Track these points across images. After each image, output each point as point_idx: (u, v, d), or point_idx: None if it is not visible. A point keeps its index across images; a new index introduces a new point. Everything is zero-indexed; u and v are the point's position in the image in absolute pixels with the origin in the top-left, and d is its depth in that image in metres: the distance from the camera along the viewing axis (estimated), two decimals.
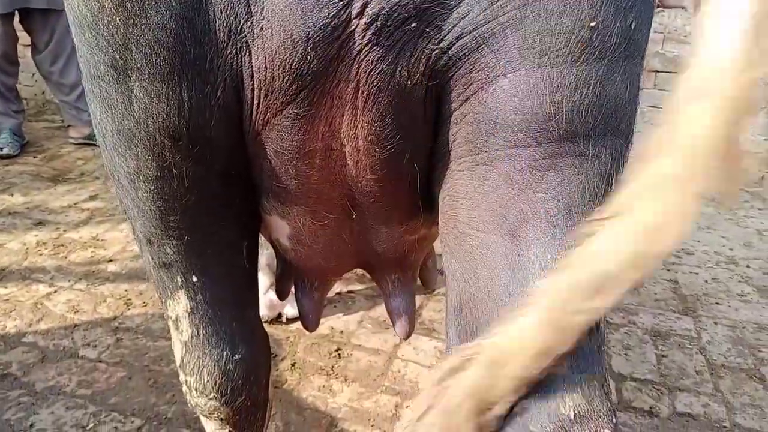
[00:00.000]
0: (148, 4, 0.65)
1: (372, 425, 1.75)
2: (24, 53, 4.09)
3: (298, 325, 2.22)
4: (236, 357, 0.95)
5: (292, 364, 2.00)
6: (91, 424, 1.70)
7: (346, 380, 1.93)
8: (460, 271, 0.80)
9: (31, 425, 1.68)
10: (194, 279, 0.88)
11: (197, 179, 0.79)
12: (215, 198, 0.83)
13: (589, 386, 0.70)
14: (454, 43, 0.66)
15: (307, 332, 2.15)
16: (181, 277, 0.88)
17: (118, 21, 0.66)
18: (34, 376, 1.88)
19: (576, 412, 0.69)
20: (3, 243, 2.68)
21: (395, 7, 0.63)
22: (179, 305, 0.90)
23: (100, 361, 1.96)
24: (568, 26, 0.64)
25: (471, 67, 0.67)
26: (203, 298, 0.90)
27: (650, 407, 1.87)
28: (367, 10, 0.63)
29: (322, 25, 0.64)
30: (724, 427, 1.80)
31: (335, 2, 0.63)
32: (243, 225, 0.91)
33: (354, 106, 0.71)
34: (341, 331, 2.19)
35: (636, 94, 0.73)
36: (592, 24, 0.64)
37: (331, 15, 0.63)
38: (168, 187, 0.79)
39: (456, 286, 0.82)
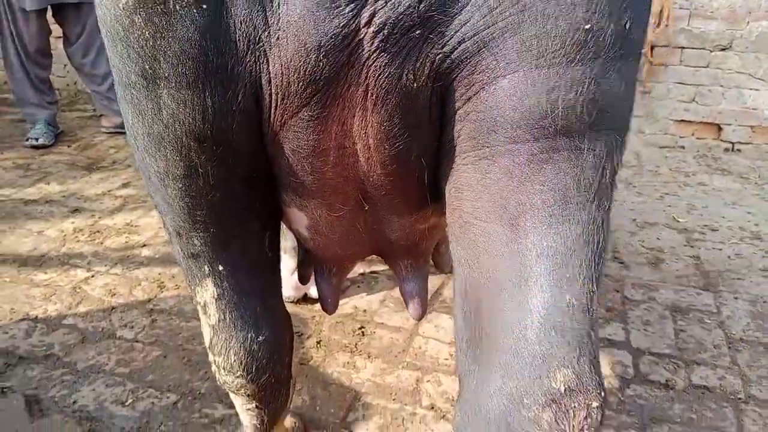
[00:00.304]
0: (174, 19, 0.70)
1: (394, 399, 1.82)
2: (56, 45, 4.22)
3: None
4: (260, 338, 1.02)
5: (318, 342, 2.08)
6: (130, 400, 1.81)
7: (369, 357, 2.01)
8: (465, 257, 0.86)
9: (74, 402, 1.80)
10: (220, 268, 0.95)
11: (221, 177, 0.85)
12: (238, 194, 0.89)
13: (579, 364, 0.75)
14: (457, 48, 0.70)
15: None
16: (208, 267, 0.95)
17: (147, 35, 0.71)
18: (75, 356, 2.00)
19: (567, 386, 0.74)
20: (42, 230, 2.81)
21: (401, 16, 0.68)
22: (207, 292, 0.98)
23: (137, 341, 2.07)
24: (563, 29, 0.68)
25: (473, 69, 0.72)
26: (229, 285, 0.97)
27: (666, 380, 1.90)
28: (374, 19, 0.68)
29: (333, 35, 0.69)
30: (739, 398, 1.83)
31: (345, 13, 0.68)
32: (265, 218, 0.98)
33: (364, 108, 0.76)
34: (364, 310, 2.26)
35: (631, 90, 0.77)
36: (587, 26, 0.68)
37: (341, 25, 0.68)
38: (195, 185, 0.85)
39: (462, 271, 0.87)
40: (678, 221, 3.02)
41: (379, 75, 0.72)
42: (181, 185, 0.85)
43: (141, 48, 0.73)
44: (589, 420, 0.76)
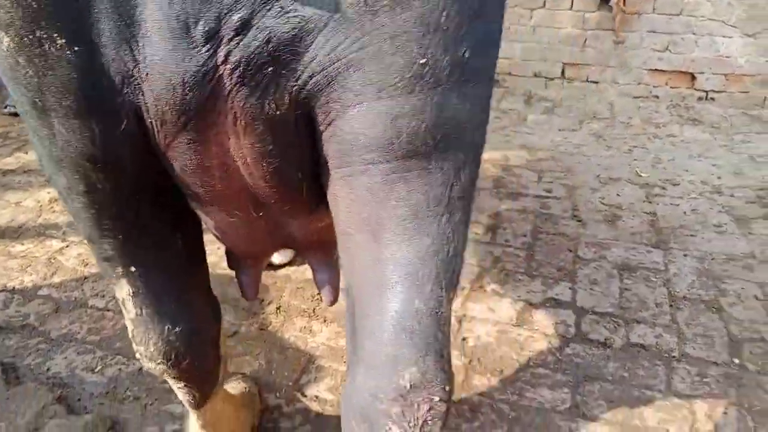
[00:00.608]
0: (52, 59, 0.75)
1: (345, 361, 1.94)
2: None
3: (285, 271, 2.41)
4: (176, 330, 1.12)
5: (278, 308, 2.19)
6: (99, 367, 1.94)
7: (325, 321, 2.12)
8: (344, 262, 0.94)
9: (48, 369, 1.93)
10: (132, 269, 1.03)
11: (119, 192, 0.92)
12: (139, 206, 0.96)
13: (425, 362, 0.84)
14: (309, 81, 0.76)
15: (292, 278, 2.34)
16: (121, 268, 1.03)
17: (31, 73, 0.77)
18: (50, 326, 2.12)
19: (412, 383, 0.84)
20: (19, 201, 2.90)
21: (252, 55, 0.73)
22: (123, 290, 1.06)
23: (107, 310, 2.19)
24: (400, 65, 0.73)
25: (327, 99, 0.78)
26: (142, 283, 1.06)
27: (605, 339, 2.01)
28: (229, 58, 0.73)
29: (193, 72, 0.74)
30: (673, 357, 1.94)
31: (203, 53, 0.73)
32: (172, 222, 1.05)
33: (236, 132, 0.82)
34: None
35: (478, 111, 0.83)
36: (422, 61, 0.73)
37: (200, 63, 0.73)
38: (96, 199, 0.92)
39: (345, 273, 0.96)
40: (641, 176, 3.08)
41: (243, 104, 0.78)
42: (84, 199, 0.92)
43: (28, 83, 0.79)
44: (432, 412, 0.86)
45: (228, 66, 0.74)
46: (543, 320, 2.10)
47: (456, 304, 2.17)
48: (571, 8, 3.95)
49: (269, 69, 0.74)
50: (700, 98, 3.93)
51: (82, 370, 1.93)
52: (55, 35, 0.74)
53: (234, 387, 1.74)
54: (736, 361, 1.91)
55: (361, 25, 0.70)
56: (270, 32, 0.70)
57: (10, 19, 0.72)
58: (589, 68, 4.10)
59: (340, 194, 0.87)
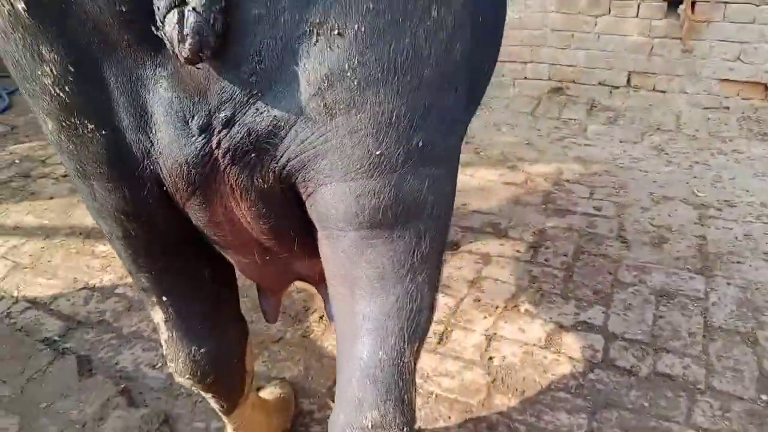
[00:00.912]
0: (86, 139, 0.94)
1: None
2: None
3: None
4: (202, 350, 1.30)
5: (321, 317, 2.37)
6: (160, 364, 2.18)
7: None
8: (334, 309, 1.09)
9: (116, 363, 2.20)
10: (164, 299, 1.22)
11: (152, 238, 1.10)
12: (169, 248, 1.15)
13: (385, 406, 0.98)
14: (287, 165, 0.90)
15: None
16: (155, 298, 1.22)
17: (72, 147, 0.96)
18: (122, 322, 2.40)
19: (373, 424, 0.97)
20: None
21: (238, 144, 0.88)
22: (157, 315, 1.26)
23: None
24: (360, 155, 0.87)
25: (303, 177, 0.92)
26: (173, 311, 1.25)
27: (631, 366, 2.05)
28: (221, 144, 0.89)
29: (194, 154, 0.90)
30: (698, 389, 1.96)
31: (198, 141, 0.89)
32: (199, 260, 1.23)
33: (235, 198, 0.98)
34: None
35: (439, 188, 0.95)
36: (378, 153, 0.86)
37: (198, 148, 0.89)
38: (133, 243, 1.11)
39: (335, 318, 1.11)
40: (697, 195, 3.02)
41: (237, 179, 0.93)
42: (122, 242, 1.11)
43: (70, 154, 0.97)
44: None
45: (220, 150, 0.89)
46: (571, 344, 2.16)
47: (488, 323, 2.27)
48: (637, 15, 3.87)
49: (253, 154, 0.89)
50: None
51: (145, 366, 2.18)
52: (86, 122, 0.91)
53: (271, 392, 1.93)
54: (764, 397, 1.91)
55: (323, 124, 0.84)
56: (249, 127, 0.85)
57: (50, 109, 0.90)
58: (656, 77, 4.01)
59: (324, 251, 1.02)
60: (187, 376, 1.34)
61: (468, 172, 3.41)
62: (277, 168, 0.91)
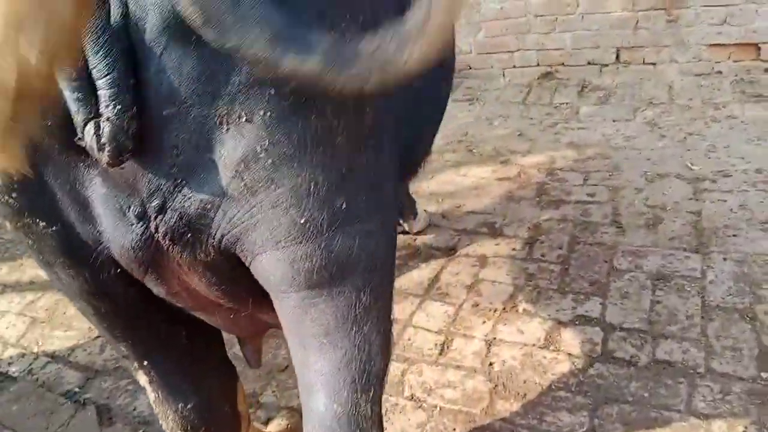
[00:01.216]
0: (40, 235, 1.00)
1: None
2: None
3: None
4: (189, 406, 1.37)
5: None
6: None
7: None
8: (294, 360, 1.15)
9: (134, 409, 2.28)
10: (145, 363, 1.29)
11: (121, 311, 1.17)
12: (141, 317, 1.21)
13: None
14: (222, 240, 0.96)
15: None
16: (137, 363, 1.29)
17: (31, 242, 1.03)
18: None
19: None
20: None
21: (174, 227, 0.94)
22: (142, 378, 1.32)
23: None
24: (286, 225, 0.92)
25: (240, 249, 0.98)
26: (156, 373, 1.31)
27: (630, 357, 2.06)
28: (159, 229, 0.94)
29: (137, 240, 0.96)
30: (698, 373, 1.96)
31: (139, 227, 0.94)
32: (173, 324, 1.29)
33: (185, 272, 1.04)
34: None
35: (372, 241, 1.00)
36: (302, 221, 0.91)
37: (139, 234, 0.95)
38: (104, 318, 1.18)
39: (296, 370, 1.16)
40: (692, 168, 3.00)
41: (181, 256, 0.99)
42: (95, 319, 1.18)
43: (32, 247, 1.05)
44: None
45: (160, 234, 0.96)
46: (570, 340, 2.18)
47: (487, 328, 2.30)
48: None
49: (189, 234, 0.95)
50: (766, 69, 3.69)
51: None
52: (37, 220, 0.99)
53: (278, 423, 2.00)
54: (764, 375, 1.91)
55: (246, 202, 0.90)
56: (180, 212, 0.91)
57: (5, 213, 0.99)
58: (644, 50, 3.96)
59: (278, 310, 1.08)
60: None
61: (461, 172, 3.43)
62: (214, 243, 0.97)
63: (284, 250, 0.94)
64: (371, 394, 1.07)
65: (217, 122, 0.83)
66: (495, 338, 2.26)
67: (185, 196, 0.89)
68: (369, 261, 1.01)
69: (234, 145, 0.84)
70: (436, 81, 1.35)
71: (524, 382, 2.06)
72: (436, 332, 2.34)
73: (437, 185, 3.37)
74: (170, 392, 1.35)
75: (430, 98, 1.27)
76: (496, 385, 2.07)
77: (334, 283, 0.98)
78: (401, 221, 2.89)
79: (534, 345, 2.19)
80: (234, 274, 1.05)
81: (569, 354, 2.12)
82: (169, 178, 0.87)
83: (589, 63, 4.17)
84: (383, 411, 2.07)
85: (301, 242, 0.93)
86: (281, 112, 0.83)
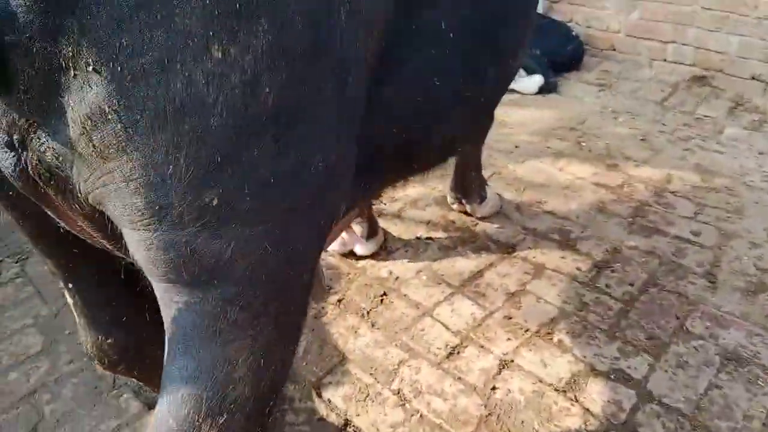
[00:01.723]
0: None
1: (371, 374, 1.96)
2: None
3: (364, 262, 2.45)
4: (109, 341, 1.27)
5: (339, 300, 2.27)
6: None
7: (373, 326, 2.14)
8: None
9: None
10: (70, 285, 1.20)
11: (35, 229, 1.07)
12: (59, 243, 1.11)
13: None
14: (88, 197, 0.81)
15: (366, 272, 2.38)
16: (62, 282, 1.22)
17: None
18: None
19: None
20: None
21: (37, 169, 0.81)
22: (68, 299, 1.24)
23: None
24: (140, 205, 0.77)
25: (107, 213, 0.84)
26: (80, 297, 1.23)
27: None
28: (28, 164, 0.81)
29: (11, 168, 0.82)
30: None
31: (12, 156, 0.80)
32: (100, 252, 1.17)
33: (69, 214, 0.91)
34: (397, 277, 2.36)
35: (255, 248, 0.83)
36: (156, 207, 0.76)
37: (12, 163, 0.81)
38: (25, 231, 1.09)
39: None
40: None
41: (57, 199, 0.86)
42: (20, 230, 1.09)
43: None
44: None
45: (31, 169, 0.82)
46: (595, 393, 1.86)
47: (509, 346, 2.03)
48: None
49: (53, 180, 0.82)
50: None
51: None
52: None
53: None
54: None
55: (97, 167, 0.75)
56: (38, 155, 0.78)
57: None
58: None
59: None
60: (96, 362, 1.32)
61: (558, 164, 3.05)
62: (81, 198, 0.83)
63: (141, 232, 0.80)
64: (220, 422, 0.89)
65: (63, 64, 0.69)
66: (512, 361, 1.98)
67: (40, 139, 0.77)
68: (250, 273, 0.84)
69: (81, 97, 0.71)
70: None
71: (522, 422, 1.79)
72: (453, 332, 2.10)
73: (525, 171, 3.02)
74: (91, 321, 1.27)
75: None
76: (489, 414, 1.82)
77: (196, 286, 0.83)
78: (463, 201, 2.61)
79: (551, 385, 1.90)
80: (117, 233, 0.90)
81: (586, 409, 1.82)
82: (22, 114, 0.75)
83: (753, 77, 3.51)
84: (364, 394, 1.90)
85: (157, 230, 0.79)
86: (134, 70, 0.68)
